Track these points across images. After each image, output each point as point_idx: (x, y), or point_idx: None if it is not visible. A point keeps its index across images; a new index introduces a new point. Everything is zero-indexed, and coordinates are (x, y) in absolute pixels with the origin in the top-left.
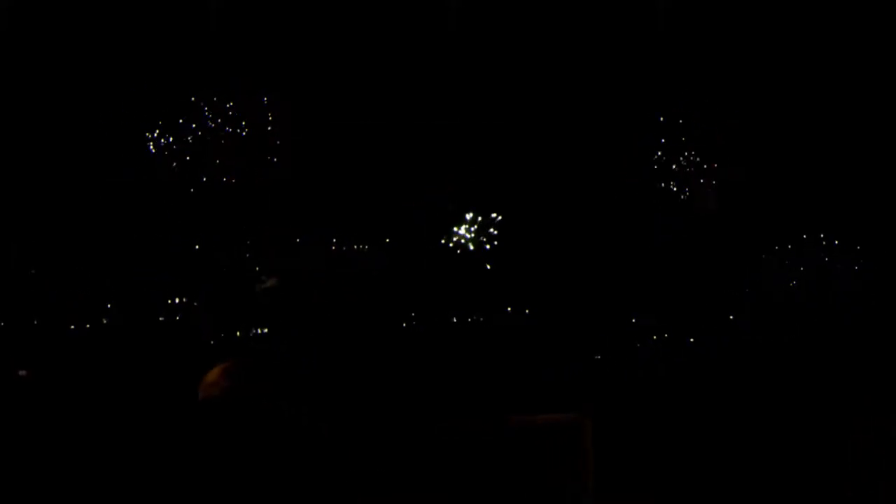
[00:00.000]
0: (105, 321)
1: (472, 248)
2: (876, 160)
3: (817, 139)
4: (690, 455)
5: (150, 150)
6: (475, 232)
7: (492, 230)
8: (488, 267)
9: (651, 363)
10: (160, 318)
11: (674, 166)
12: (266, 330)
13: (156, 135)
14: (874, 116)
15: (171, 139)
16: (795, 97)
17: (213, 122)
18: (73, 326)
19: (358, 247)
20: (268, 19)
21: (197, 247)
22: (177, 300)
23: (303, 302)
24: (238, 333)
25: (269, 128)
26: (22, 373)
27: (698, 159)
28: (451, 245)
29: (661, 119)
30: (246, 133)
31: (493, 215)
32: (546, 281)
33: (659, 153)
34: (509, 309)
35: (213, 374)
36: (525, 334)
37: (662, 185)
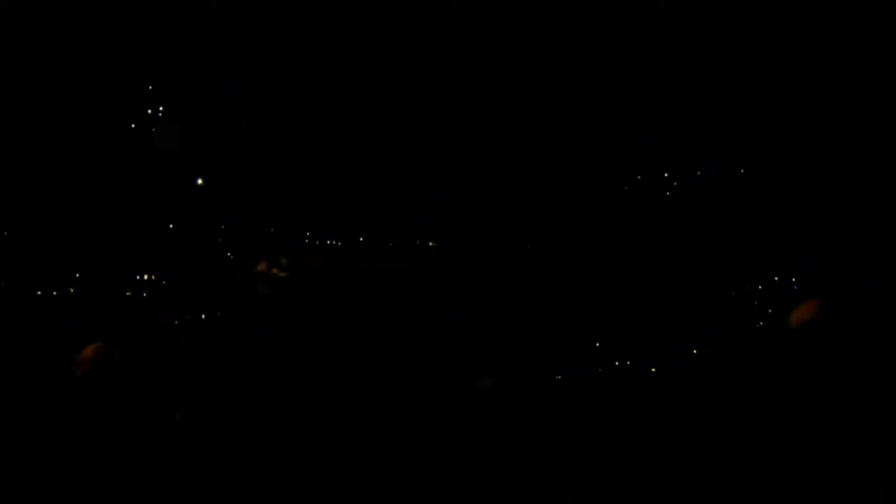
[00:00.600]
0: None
1: (472, 247)
2: (881, 161)
3: (820, 140)
4: (690, 455)
5: (147, 145)
6: (475, 232)
7: (492, 230)
8: (489, 267)
9: (650, 362)
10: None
11: (673, 167)
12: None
13: (153, 130)
14: (878, 118)
15: (168, 134)
16: (797, 98)
17: (211, 119)
18: (39, 292)
19: (358, 247)
20: (266, 18)
21: (195, 244)
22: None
23: (303, 302)
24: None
25: (268, 126)
26: None
27: (698, 160)
28: (450, 245)
29: (661, 119)
30: (244, 131)
31: (493, 215)
32: (546, 281)
33: (658, 153)
34: (509, 309)
35: (88, 352)
36: (525, 334)
37: (662, 185)
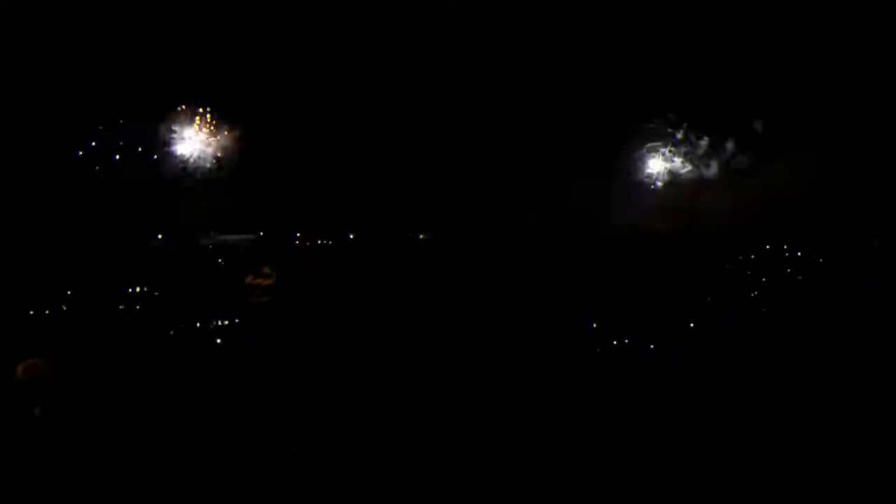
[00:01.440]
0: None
1: (472, 248)
2: (881, 161)
3: (820, 140)
4: (690, 455)
5: (147, 144)
6: (475, 232)
7: (492, 230)
8: (489, 267)
9: (650, 362)
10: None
11: (673, 166)
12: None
13: (155, 130)
14: (879, 118)
15: (170, 134)
16: (797, 98)
17: (212, 118)
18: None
19: (358, 246)
20: (266, 17)
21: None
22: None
23: (303, 302)
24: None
25: (269, 126)
26: None
27: (699, 159)
28: (450, 245)
29: (661, 119)
30: (245, 131)
31: (493, 214)
32: (546, 281)
33: (659, 153)
34: (510, 309)
35: (21, 367)
36: (525, 334)
37: (661, 185)
